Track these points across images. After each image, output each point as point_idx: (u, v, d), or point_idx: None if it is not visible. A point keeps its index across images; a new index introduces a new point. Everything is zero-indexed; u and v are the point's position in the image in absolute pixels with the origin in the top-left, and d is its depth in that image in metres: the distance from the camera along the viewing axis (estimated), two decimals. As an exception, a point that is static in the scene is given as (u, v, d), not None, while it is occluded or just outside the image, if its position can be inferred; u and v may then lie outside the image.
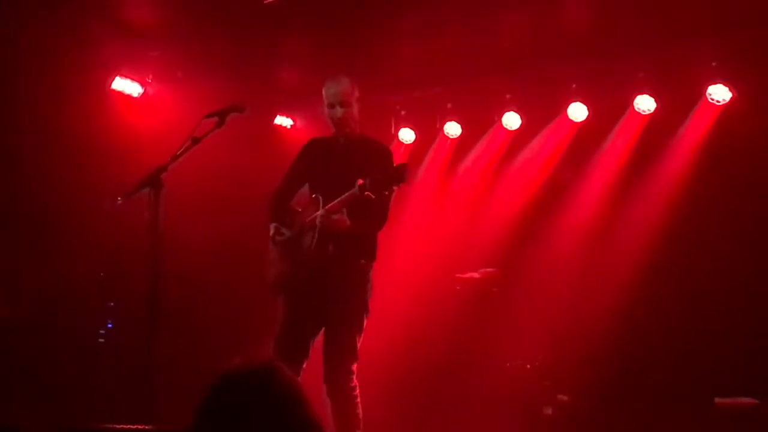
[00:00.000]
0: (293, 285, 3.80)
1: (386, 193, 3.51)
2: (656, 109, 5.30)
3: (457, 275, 5.67)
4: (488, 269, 5.63)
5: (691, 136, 5.23)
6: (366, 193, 3.48)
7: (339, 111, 3.81)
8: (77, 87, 5.19)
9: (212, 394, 1.54)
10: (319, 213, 3.67)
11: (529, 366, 5.21)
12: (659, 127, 5.32)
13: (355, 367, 3.74)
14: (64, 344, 4.89)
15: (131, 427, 2.44)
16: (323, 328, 3.77)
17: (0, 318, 4.74)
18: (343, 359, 3.69)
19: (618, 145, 5.51)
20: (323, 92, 3.88)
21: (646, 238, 5.26)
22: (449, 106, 5.94)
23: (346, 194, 3.58)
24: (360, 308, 3.78)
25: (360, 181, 3.50)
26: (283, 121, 6.47)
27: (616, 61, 5.27)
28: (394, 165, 3.69)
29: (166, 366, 3.29)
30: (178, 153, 3.33)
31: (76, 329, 5.08)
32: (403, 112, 6.14)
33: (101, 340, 5.29)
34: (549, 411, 5.00)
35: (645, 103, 5.32)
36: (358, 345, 3.76)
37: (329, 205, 3.65)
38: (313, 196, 3.83)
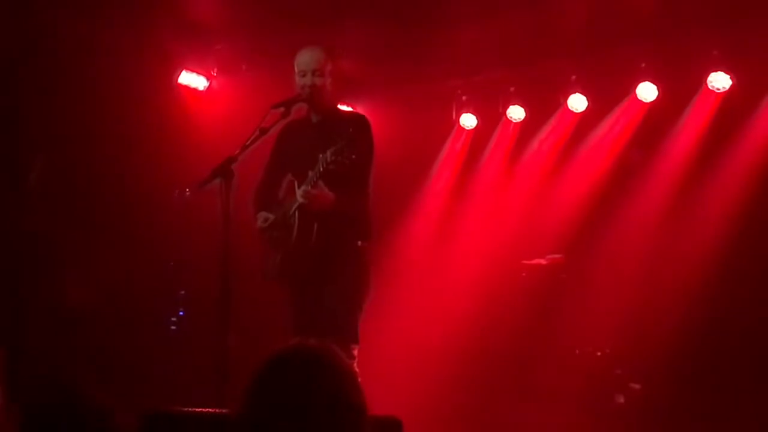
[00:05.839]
0: (288, 273, 3.73)
1: (354, 160, 3.35)
2: (731, 86, 5.09)
3: (524, 262, 5.59)
4: (555, 255, 5.53)
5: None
6: (329, 163, 3.38)
7: (309, 79, 3.64)
8: (145, 81, 5.32)
9: (262, 374, 1.54)
10: (298, 192, 3.56)
11: (599, 353, 5.10)
12: (736, 103, 5.11)
13: (356, 351, 3.58)
14: (136, 332, 5.04)
15: (204, 410, 2.49)
16: (323, 311, 3.64)
17: (74, 306, 4.91)
18: (343, 343, 3.42)
19: (691, 126, 5.31)
20: (295, 61, 3.72)
21: (720, 221, 5.06)
22: (512, 89, 5.83)
23: (314, 170, 3.49)
24: (361, 289, 3.67)
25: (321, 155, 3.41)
26: (344, 108, 6.48)
27: (685, 37, 5.08)
28: (370, 133, 3.61)
29: (236, 354, 3.35)
30: (247, 143, 3.38)
31: (148, 317, 5.23)
32: (464, 97, 6.05)
33: (173, 327, 5.43)
34: (621, 400, 4.89)
35: (719, 81, 5.10)
36: (359, 327, 3.62)
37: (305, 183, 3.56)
38: (291, 180, 3.74)
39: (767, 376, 4.63)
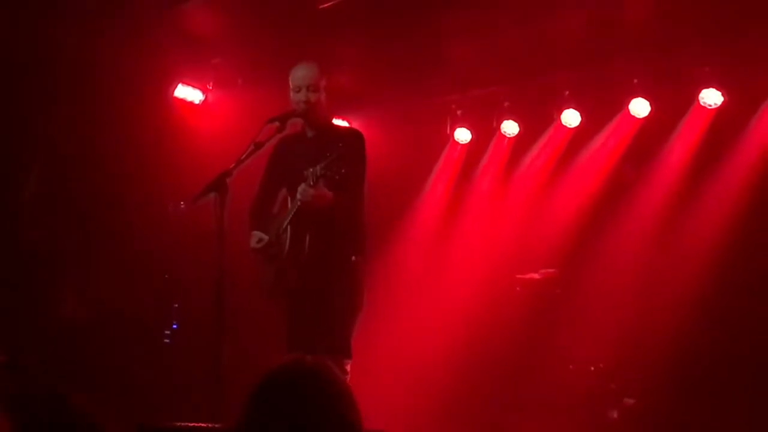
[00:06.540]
0: (282, 287, 3.75)
1: (344, 174, 3.38)
2: (723, 102, 5.14)
3: (517, 276, 5.59)
4: (549, 270, 5.53)
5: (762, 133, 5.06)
6: (319, 177, 3.41)
7: (304, 95, 3.68)
8: (141, 94, 5.34)
9: (259, 391, 1.55)
10: (299, 188, 3.54)
11: (593, 368, 5.10)
12: (727, 120, 5.15)
13: (349, 366, 3.58)
14: (130, 344, 5.02)
15: (198, 425, 2.49)
16: (317, 326, 3.64)
17: (69, 318, 4.90)
18: (337, 358, 3.44)
19: (683, 142, 5.35)
20: (290, 77, 3.76)
21: (713, 236, 5.09)
22: (506, 104, 5.86)
23: (304, 183, 3.51)
24: (354, 304, 3.68)
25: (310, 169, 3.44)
26: (339, 123, 6.51)
27: (678, 54, 5.13)
28: (363, 148, 3.64)
29: (230, 366, 3.34)
30: (242, 158, 3.40)
31: (141, 330, 5.21)
32: (459, 112, 6.08)
33: (167, 341, 5.41)
34: (615, 415, 4.88)
35: (711, 97, 5.15)
36: (352, 342, 3.63)
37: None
38: (284, 195, 3.76)
39: (763, 391, 4.64)
